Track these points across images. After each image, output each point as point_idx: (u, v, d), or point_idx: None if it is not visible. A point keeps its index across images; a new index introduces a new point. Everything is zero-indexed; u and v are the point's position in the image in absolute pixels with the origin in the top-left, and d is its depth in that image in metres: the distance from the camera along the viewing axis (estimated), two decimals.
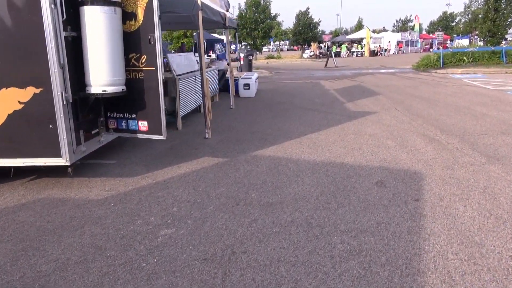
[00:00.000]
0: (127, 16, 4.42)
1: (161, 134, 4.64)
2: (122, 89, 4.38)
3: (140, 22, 4.41)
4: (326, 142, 6.27)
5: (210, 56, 38.75)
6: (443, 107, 9.22)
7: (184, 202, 3.98)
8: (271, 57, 41.50)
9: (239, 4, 39.16)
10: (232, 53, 33.47)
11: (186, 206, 3.86)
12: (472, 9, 41.54)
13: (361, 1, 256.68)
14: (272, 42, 60.13)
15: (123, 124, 4.78)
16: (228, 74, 15.30)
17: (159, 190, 4.30)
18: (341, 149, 5.84)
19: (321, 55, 42.68)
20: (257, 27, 37.78)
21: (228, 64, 9.78)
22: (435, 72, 18.91)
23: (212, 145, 6.25)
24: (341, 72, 21.59)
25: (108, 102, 4.74)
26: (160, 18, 5.69)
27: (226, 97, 10.55)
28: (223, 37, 54.96)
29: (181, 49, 12.32)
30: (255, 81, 12.12)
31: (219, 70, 11.45)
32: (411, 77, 17.17)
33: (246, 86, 11.76)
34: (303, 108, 9.65)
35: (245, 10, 38.63)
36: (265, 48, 62.12)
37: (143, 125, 4.69)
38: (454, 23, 65.89)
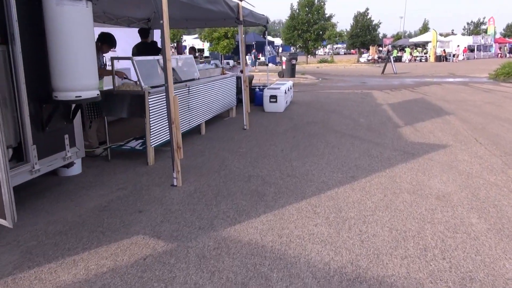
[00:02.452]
0: None
1: (3, 218, 2.35)
2: None
3: None
4: (359, 211, 3.67)
5: (259, 59, 36.77)
6: None
7: None
8: (324, 61, 38.51)
9: (291, 4, 36.56)
10: (271, 55, 31.08)
11: None
12: None
13: (427, 3, 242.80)
14: (327, 45, 56.69)
15: None
16: (256, 82, 12.91)
17: None
18: (385, 233, 3.22)
19: (379, 60, 39.02)
20: (309, 29, 35.05)
21: (241, 72, 7.41)
22: None
23: (172, 204, 3.90)
24: (400, 80, 18.38)
25: None
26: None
27: (250, 110, 8.05)
28: (276, 39, 52.93)
29: (177, 50, 10.11)
30: (286, 92, 9.64)
31: (238, 78, 9.10)
32: (490, 90, 13.73)
33: (273, 98, 9.30)
34: (340, 133, 7.01)
35: (297, 11, 36.06)
36: (320, 51, 58.97)
37: None
38: None
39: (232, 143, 6.34)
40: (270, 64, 31.45)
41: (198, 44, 35.85)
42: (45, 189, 4.28)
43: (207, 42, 26.82)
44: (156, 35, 10.97)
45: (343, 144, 6.19)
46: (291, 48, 43.30)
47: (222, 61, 26.08)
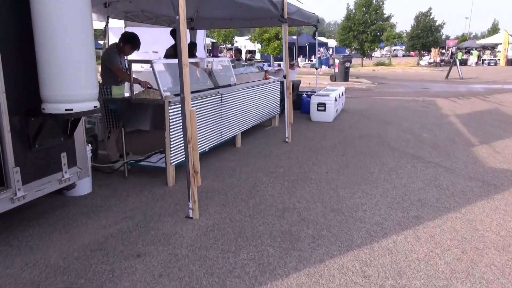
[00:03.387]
0: None
1: None
2: None
3: None
4: (428, 278, 2.64)
5: (312, 61, 35.63)
6: None
7: None
8: (380, 63, 36.55)
9: (347, 4, 35.00)
10: (322, 56, 29.71)
11: None
12: None
13: (497, 2, 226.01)
14: (384, 47, 53.94)
15: None
16: (305, 87, 11.91)
17: None
18: None
19: (442, 63, 36.37)
20: (366, 30, 33.31)
21: (284, 77, 6.51)
22: None
23: (181, 246, 3.10)
24: (468, 87, 16.51)
25: None
26: None
27: (295, 118, 6.98)
28: (330, 40, 51.36)
29: (211, 52, 9.33)
30: (336, 100, 8.59)
31: (283, 83, 8.20)
32: None
33: (321, 106, 8.30)
34: (399, 151, 5.89)
35: (353, 11, 34.44)
36: (377, 54, 56.36)
37: None
38: None
39: (269, 160, 5.46)
40: (322, 67, 30.25)
41: (250, 45, 35.40)
42: (41, 214, 3.66)
43: (258, 43, 26.11)
44: (199, 36, 10.39)
45: (402, 168, 5.09)
46: (346, 50, 41.66)
47: (273, 63, 25.26)
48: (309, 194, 4.18)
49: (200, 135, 4.96)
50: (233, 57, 9.57)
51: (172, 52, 7.38)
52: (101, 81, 4.93)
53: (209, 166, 5.15)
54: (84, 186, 4.19)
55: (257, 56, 35.36)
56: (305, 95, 9.40)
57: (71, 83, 2.87)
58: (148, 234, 3.28)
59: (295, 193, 4.22)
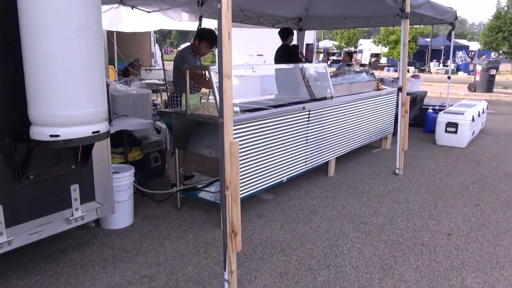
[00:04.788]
0: None
1: None
2: None
3: None
4: None
5: (447, 65, 31.49)
6: None
7: None
8: None
9: (498, 1, 29.84)
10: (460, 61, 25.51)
11: None
12: None
13: None
14: None
15: None
16: (436, 98, 9.64)
17: None
18: None
19: None
20: None
21: (400, 89, 4.94)
22: None
23: None
24: None
25: None
26: None
27: (414, 139, 5.33)
28: (472, 43, 45.29)
29: (305, 56, 7.90)
30: (474, 119, 6.59)
31: (409, 94, 6.56)
32: None
33: (451, 127, 6.42)
34: None
35: (506, 8, 29.25)
36: None
37: None
38: None
39: (366, 202, 4.06)
40: (460, 73, 26.33)
41: (375, 49, 32.86)
42: (56, 254, 2.98)
43: (383, 46, 23.75)
44: (308, 38, 9.27)
45: None
46: (492, 53, 35.87)
47: (399, 69, 22.65)
48: (415, 276, 2.73)
49: (274, 162, 3.84)
50: (329, 61, 8.20)
51: (275, 55, 6.47)
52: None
53: (283, 203, 4.01)
54: (124, 218, 3.46)
55: (383, 60, 32.57)
56: (431, 110, 7.54)
57: (56, 100, 2.05)
58: None
59: (392, 269, 2.81)
